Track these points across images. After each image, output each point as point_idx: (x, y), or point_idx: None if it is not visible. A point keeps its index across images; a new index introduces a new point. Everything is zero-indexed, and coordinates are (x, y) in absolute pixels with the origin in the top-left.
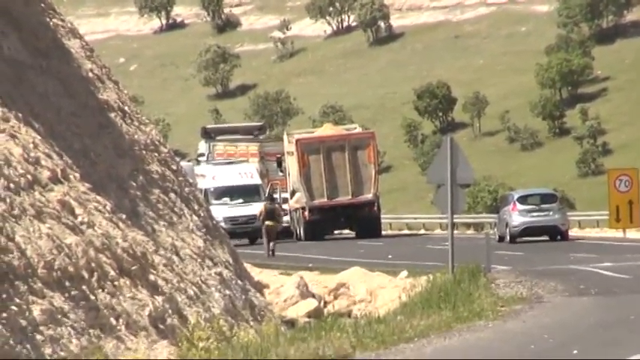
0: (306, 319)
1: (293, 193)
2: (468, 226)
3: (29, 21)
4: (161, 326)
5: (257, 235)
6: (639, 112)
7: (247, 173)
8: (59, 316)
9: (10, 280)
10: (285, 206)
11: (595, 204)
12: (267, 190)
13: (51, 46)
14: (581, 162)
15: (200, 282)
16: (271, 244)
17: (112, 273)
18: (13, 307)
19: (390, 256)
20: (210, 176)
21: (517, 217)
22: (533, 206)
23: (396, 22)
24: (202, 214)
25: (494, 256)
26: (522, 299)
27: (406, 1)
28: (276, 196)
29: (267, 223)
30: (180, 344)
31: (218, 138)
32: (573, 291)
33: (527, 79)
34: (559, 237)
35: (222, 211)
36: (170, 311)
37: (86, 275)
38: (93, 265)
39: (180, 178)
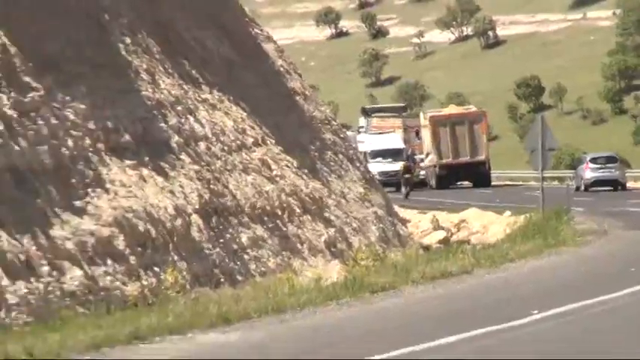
0: (437, 245)
1: (427, 155)
2: (553, 179)
3: (237, 31)
4: (333, 249)
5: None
6: None
7: (394, 140)
8: (260, 242)
9: (225, 215)
10: (421, 164)
11: None
12: (408, 153)
13: (252, 49)
14: (635, 133)
15: (361, 218)
16: (408, 190)
17: (298, 211)
18: (228, 235)
19: (497, 200)
20: (367, 142)
21: (589, 172)
22: (601, 165)
23: (501, 32)
24: (362, 169)
25: (573, 201)
26: (593, 232)
27: (508, 17)
28: (415, 157)
29: (405, 175)
30: (347, 262)
31: (373, 115)
32: (630, 226)
33: (595, 74)
34: (619, 187)
35: (377, 167)
36: (340, 239)
37: (279, 212)
38: (284, 205)
39: (346, 144)
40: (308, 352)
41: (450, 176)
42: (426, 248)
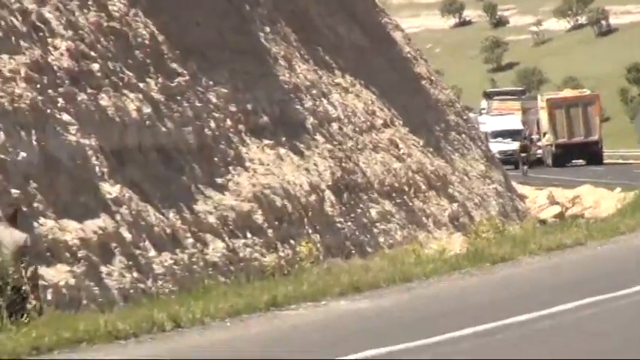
0: (553, 219)
1: (544, 135)
2: None
3: (368, 19)
4: (456, 223)
5: (519, 163)
6: None
7: (513, 122)
8: (388, 216)
9: (356, 191)
10: (539, 144)
11: None
12: (526, 133)
13: (382, 36)
14: None
15: (482, 194)
16: (525, 167)
17: (423, 187)
18: (358, 210)
19: (609, 178)
20: (488, 123)
21: None
22: None
23: (613, 21)
24: (483, 148)
25: None
26: None
27: (620, 7)
28: (532, 137)
29: (522, 154)
30: (469, 235)
31: (494, 98)
32: None
33: None
34: None
35: (496, 146)
36: (462, 213)
37: (406, 189)
38: (410, 182)
39: (469, 125)
40: (432, 318)
41: (565, 155)
42: (543, 222)
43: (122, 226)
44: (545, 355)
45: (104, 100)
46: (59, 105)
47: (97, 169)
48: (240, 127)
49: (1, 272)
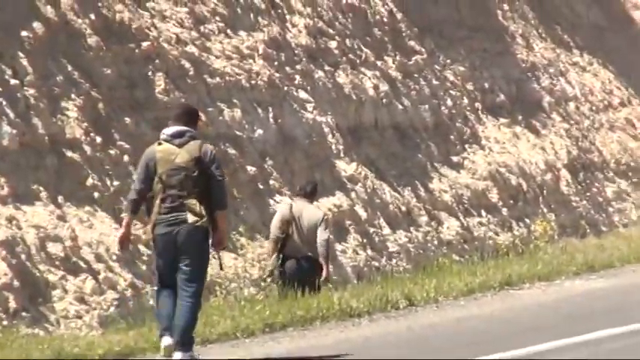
0: None
1: None
2: None
3: None
4: None
5: None
6: None
7: None
8: (624, 195)
9: (592, 170)
10: None
11: None
12: None
13: (621, 14)
14: None
15: None
16: None
17: None
18: (594, 189)
19: None
20: None
21: None
22: None
23: None
24: None
25: None
26: None
27: None
28: None
29: None
30: None
31: None
32: None
33: None
34: None
35: None
36: None
37: None
38: None
39: None
40: None
41: None
42: None
43: (357, 204)
44: None
45: (341, 78)
46: (296, 82)
47: (332, 146)
48: (477, 105)
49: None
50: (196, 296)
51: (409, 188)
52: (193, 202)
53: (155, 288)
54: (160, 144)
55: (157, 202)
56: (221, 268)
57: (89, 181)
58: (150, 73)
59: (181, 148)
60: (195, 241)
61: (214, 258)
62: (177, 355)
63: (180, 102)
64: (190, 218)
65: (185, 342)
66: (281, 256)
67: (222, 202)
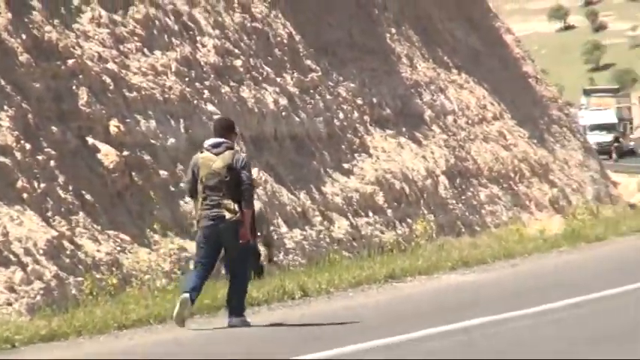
0: None
1: (636, 128)
2: None
3: (482, 23)
4: (556, 206)
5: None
6: None
7: (608, 116)
8: (495, 199)
9: (467, 177)
10: (631, 136)
11: None
12: (620, 126)
13: (495, 39)
14: None
15: (579, 180)
16: (615, 156)
17: (527, 174)
18: (469, 193)
19: None
20: (586, 117)
21: None
22: None
23: None
24: (582, 140)
25: None
26: None
27: None
28: (625, 130)
29: (614, 144)
30: (566, 217)
31: (592, 95)
32: None
33: None
34: None
35: (593, 138)
36: (561, 197)
37: (512, 175)
38: (516, 169)
39: (569, 118)
40: (532, 291)
41: None
42: (633, 206)
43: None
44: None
45: (245, 93)
46: (205, 96)
47: None
48: (366, 118)
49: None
50: (244, 278)
51: (305, 191)
52: (228, 202)
53: (192, 267)
54: (201, 152)
55: (200, 200)
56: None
57: (19, 184)
58: (74, 87)
59: (218, 157)
60: (233, 233)
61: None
62: (234, 321)
63: (219, 117)
64: (227, 215)
65: (239, 309)
66: None
67: (248, 203)
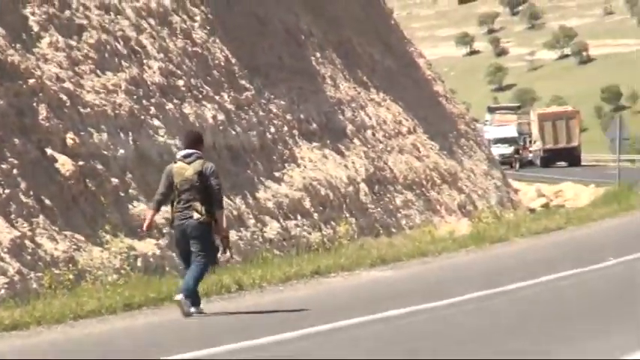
0: (540, 209)
1: (535, 142)
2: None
3: (398, 48)
4: (463, 210)
5: (512, 164)
6: None
7: (510, 131)
8: (410, 204)
9: (384, 184)
10: (530, 149)
11: None
12: (520, 140)
13: (408, 61)
14: None
15: (484, 187)
16: (517, 165)
17: (438, 182)
18: (386, 199)
19: (585, 176)
20: (491, 132)
21: None
22: None
23: (592, 52)
24: (486, 152)
25: None
26: None
27: (598, 41)
28: (525, 143)
29: (515, 156)
30: (473, 220)
31: (496, 112)
32: None
33: None
34: None
35: (497, 150)
36: (468, 202)
37: (424, 183)
38: (428, 177)
39: (476, 133)
40: (442, 285)
41: (551, 158)
42: (532, 211)
43: None
44: (531, 313)
45: (187, 109)
46: (151, 112)
47: None
48: (294, 132)
49: None
50: (200, 266)
51: (240, 197)
52: (197, 205)
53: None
54: (175, 162)
55: (174, 203)
56: (224, 252)
57: None
58: (35, 104)
59: (190, 165)
60: (198, 231)
61: (220, 244)
62: (185, 302)
63: (189, 130)
64: (195, 215)
65: (189, 295)
66: None
67: (219, 204)
